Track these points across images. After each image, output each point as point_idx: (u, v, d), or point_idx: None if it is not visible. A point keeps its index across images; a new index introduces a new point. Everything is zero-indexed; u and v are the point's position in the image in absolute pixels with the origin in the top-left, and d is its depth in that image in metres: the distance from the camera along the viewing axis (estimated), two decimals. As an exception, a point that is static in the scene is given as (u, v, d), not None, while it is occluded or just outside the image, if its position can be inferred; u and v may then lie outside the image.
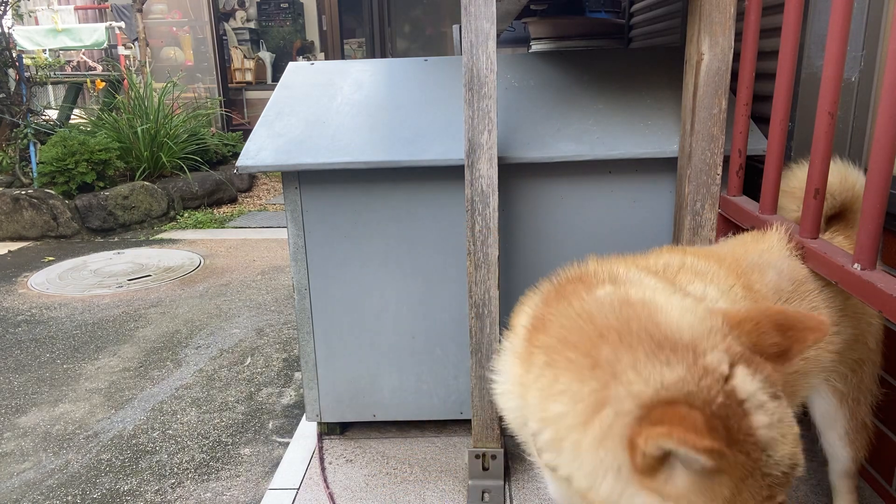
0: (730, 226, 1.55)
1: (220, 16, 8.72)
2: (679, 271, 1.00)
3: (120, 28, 6.58)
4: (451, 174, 1.75)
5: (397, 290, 1.88)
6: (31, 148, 5.06)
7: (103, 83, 6.21)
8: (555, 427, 0.79)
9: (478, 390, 1.71)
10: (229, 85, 8.66)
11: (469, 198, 1.58)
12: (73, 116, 6.18)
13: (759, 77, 1.56)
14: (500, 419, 1.70)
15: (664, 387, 0.71)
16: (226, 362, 2.69)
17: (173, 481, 1.93)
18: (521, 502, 1.71)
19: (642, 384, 0.72)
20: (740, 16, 1.50)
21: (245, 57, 9.06)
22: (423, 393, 1.97)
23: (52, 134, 5.12)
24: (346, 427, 2.08)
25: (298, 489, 1.81)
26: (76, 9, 8.32)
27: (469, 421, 1.89)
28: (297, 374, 2.56)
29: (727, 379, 0.72)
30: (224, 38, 8.87)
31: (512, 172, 1.75)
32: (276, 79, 8.92)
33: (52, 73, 5.71)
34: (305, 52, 9.68)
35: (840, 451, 1.36)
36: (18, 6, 5.25)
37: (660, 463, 0.69)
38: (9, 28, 5.18)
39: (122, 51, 6.49)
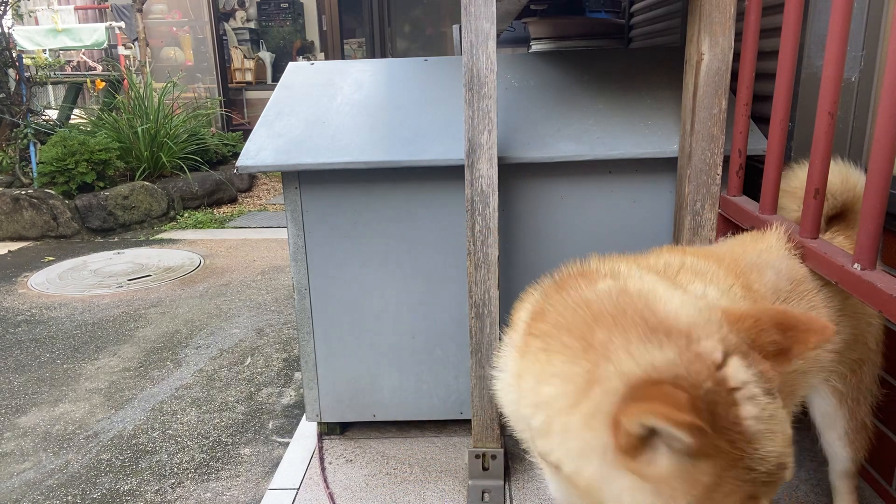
0: (730, 226, 1.55)
1: (220, 16, 8.72)
2: (679, 271, 1.00)
3: (120, 28, 6.58)
4: (451, 174, 1.75)
5: (397, 290, 1.88)
6: (31, 148, 5.06)
7: (103, 83, 6.21)
8: (546, 411, 0.80)
9: (478, 390, 1.71)
10: (229, 85, 8.66)
11: (469, 198, 1.58)
12: (73, 116, 6.18)
13: (759, 77, 1.56)
14: (501, 419, 1.70)
15: (654, 368, 0.71)
16: (226, 362, 2.69)
17: (173, 481, 1.93)
18: (521, 502, 1.71)
19: (632, 364, 0.73)
20: (740, 16, 1.50)
21: (245, 57, 9.06)
22: (423, 393, 1.97)
23: (52, 134, 5.12)
24: (346, 427, 2.08)
25: (298, 489, 1.81)
26: (76, 9, 8.32)
27: (469, 421, 1.89)
28: (297, 374, 2.56)
29: (719, 367, 0.72)
30: (224, 38, 8.87)
31: (512, 172, 1.75)
32: (276, 79, 8.92)
33: (52, 73, 5.71)
34: (305, 52, 9.68)
35: (840, 451, 1.36)
36: (18, 6, 5.25)
37: (643, 443, 0.69)
38: (9, 28, 5.18)
39: (122, 51, 6.49)
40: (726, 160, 1.57)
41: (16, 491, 1.91)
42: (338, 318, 1.90)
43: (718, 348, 0.73)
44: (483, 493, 1.73)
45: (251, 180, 6.52)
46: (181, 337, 2.96)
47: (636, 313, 0.78)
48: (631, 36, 3.63)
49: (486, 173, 1.56)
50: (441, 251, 1.84)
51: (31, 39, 6.14)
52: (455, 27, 4.44)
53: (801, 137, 1.69)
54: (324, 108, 1.91)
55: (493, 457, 1.74)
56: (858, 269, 1.07)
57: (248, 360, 2.71)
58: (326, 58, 9.32)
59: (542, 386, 0.81)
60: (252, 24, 9.61)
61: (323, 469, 1.89)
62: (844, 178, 1.31)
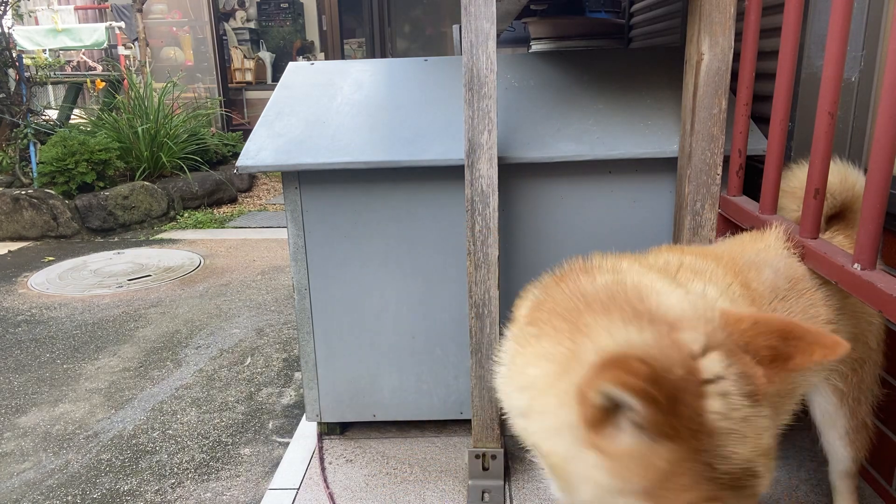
0: (730, 226, 1.55)
1: (220, 16, 8.72)
2: (679, 270, 1.00)
3: (120, 28, 6.58)
4: (451, 174, 1.75)
5: (397, 290, 1.88)
6: (31, 148, 5.06)
7: (103, 83, 6.21)
8: (530, 392, 0.81)
9: (478, 390, 1.71)
10: (229, 85, 8.66)
11: (469, 198, 1.58)
12: (73, 116, 6.18)
13: (759, 77, 1.56)
14: (501, 419, 1.70)
15: (628, 346, 0.72)
16: (226, 362, 2.69)
17: (173, 481, 1.93)
18: (521, 502, 1.71)
19: (609, 342, 0.73)
20: (740, 16, 1.50)
21: (245, 57, 9.06)
22: (423, 393, 1.97)
23: (52, 134, 5.12)
24: (346, 427, 2.08)
25: (298, 489, 1.81)
26: (76, 9, 8.33)
27: (469, 421, 1.89)
28: (297, 374, 2.56)
29: (695, 357, 0.71)
30: (224, 38, 8.87)
31: (512, 172, 1.75)
32: (276, 79, 8.92)
33: (52, 73, 5.71)
34: (305, 52, 9.68)
35: (840, 451, 1.36)
36: (18, 6, 5.25)
37: (607, 417, 0.69)
38: (9, 28, 5.18)
39: (122, 51, 6.49)
40: (726, 160, 1.57)
41: (16, 491, 1.91)
42: (338, 318, 1.90)
43: (700, 340, 0.72)
44: (483, 493, 1.73)
45: (251, 180, 6.53)
46: (181, 337, 2.96)
47: (626, 301, 0.78)
48: (631, 36, 3.63)
49: (486, 173, 1.56)
50: (441, 251, 1.84)
51: (31, 39, 6.14)
52: (455, 27, 4.44)
53: (801, 137, 1.69)
54: (324, 108, 1.91)
55: (493, 457, 1.74)
56: (858, 269, 1.07)
57: (248, 360, 2.71)
58: (326, 58, 9.32)
59: (529, 368, 0.82)
60: (252, 24, 9.61)
61: (323, 469, 1.89)
62: (844, 177, 1.31)
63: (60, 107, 6.22)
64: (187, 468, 1.99)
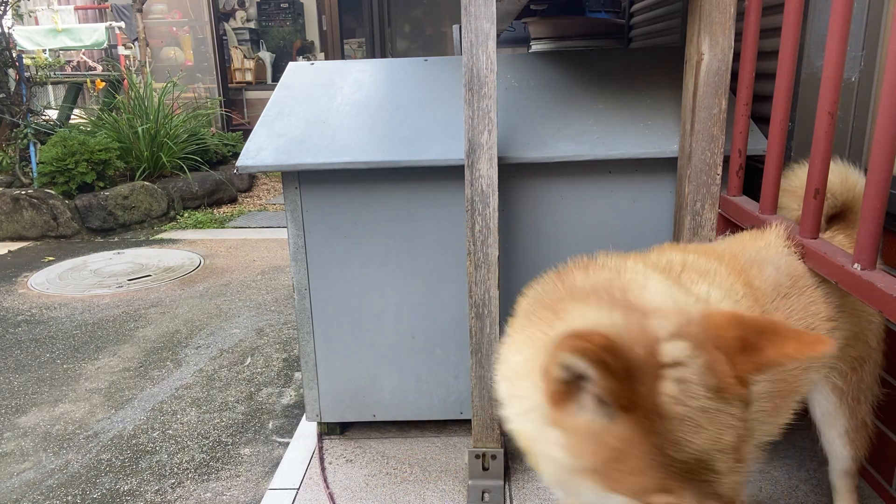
0: (729, 226, 1.55)
1: (220, 16, 8.72)
2: (683, 270, 1.00)
3: (120, 28, 6.58)
4: (451, 174, 1.75)
5: (397, 290, 1.88)
6: (31, 148, 5.06)
7: (103, 83, 6.21)
8: (510, 378, 0.82)
9: (478, 390, 1.71)
10: (229, 85, 8.66)
11: (469, 198, 1.58)
12: (73, 116, 6.18)
13: (759, 77, 1.56)
14: (501, 419, 1.70)
15: (595, 325, 0.72)
16: (226, 362, 2.69)
17: (173, 481, 1.93)
18: (521, 502, 1.71)
19: (580, 323, 0.75)
20: (740, 16, 1.50)
21: (245, 57, 9.06)
22: (423, 393, 1.97)
23: (52, 134, 5.13)
24: (346, 427, 2.08)
25: (298, 489, 1.81)
26: (76, 9, 8.32)
27: (469, 421, 1.89)
28: (297, 374, 2.56)
29: (659, 341, 0.71)
30: (224, 38, 8.87)
31: (512, 172, 1.75)
32: (276, 79, 8.92)
33: (52, 73, 5.71)
34: (305, 52, 9.68)
35: (840, 450, 1.36)
36: (18, 6, 5.25)
37: (569, 392, 0.70)
38: (9, 28, 5.18)
39: (122, 51, 6.49)
40: (726, 160, 1.57)
41: (16, 491, 1.91)
42: (338, 318, 1.90)
43: (667, 328, 0.72)
44: (483, 493, 1.73)
45: (251, 180, 6.53)
46: (181, 337, 2.96)
47: (606, 291, 0.80)
48: (631, 36, 3.63)
49: (486, 173, 1.56)
50: (441, 251, 1.84)
51: (31, 39, 6.14)
52: (455, 27, 4.44)
53: (801, 137, 1.69)
54: (324, 108, 1.91)
55: (493, 457, 1.74)
56: (858, 268, 1.07)
57: (248, 360, 2.71)
58: (326, 58, 9.32)
59: (513, 356, 0.84)
60: (252, 24, 9.61)
61: (323, 469, 1.89)
62: (844, 177, 1.31)
63: (60, 107, 6.22)
64: (187, 468, 1.99)
